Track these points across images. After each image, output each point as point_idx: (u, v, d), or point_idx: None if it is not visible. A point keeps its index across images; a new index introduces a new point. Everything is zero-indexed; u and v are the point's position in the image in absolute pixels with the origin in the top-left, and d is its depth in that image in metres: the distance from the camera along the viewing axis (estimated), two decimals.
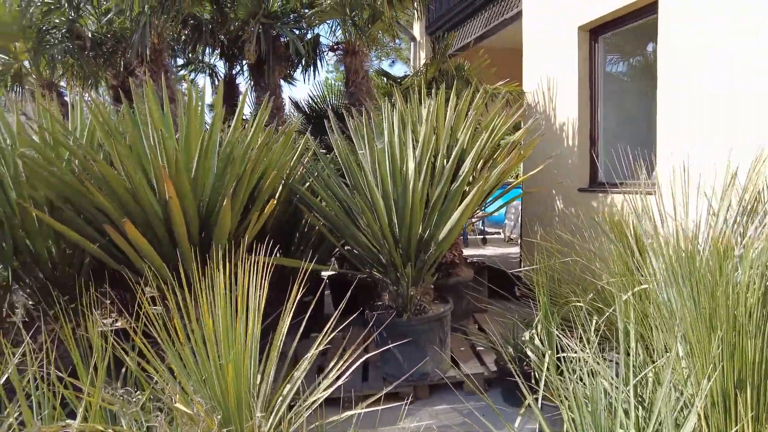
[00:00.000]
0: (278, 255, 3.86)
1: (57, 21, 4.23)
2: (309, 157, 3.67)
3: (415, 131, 3.50)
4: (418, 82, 4.14)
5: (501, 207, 4.19)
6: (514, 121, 4.02)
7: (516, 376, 2.51)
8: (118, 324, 3.38)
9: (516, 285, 4.77)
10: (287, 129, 3.02)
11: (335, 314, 2.21)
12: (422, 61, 7.39)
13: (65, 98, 4.64)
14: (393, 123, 3.05)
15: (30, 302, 3.07)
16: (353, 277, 4.70)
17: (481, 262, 5.07)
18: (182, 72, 5.83)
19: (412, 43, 8.04)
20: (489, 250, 7.05)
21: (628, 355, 1.81)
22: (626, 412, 1.67)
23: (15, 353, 2.10)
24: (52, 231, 2.71)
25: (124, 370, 2.09)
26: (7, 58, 4.37)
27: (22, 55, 4.33)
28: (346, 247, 3.52)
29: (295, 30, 4.72)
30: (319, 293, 4.40)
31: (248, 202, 2.86)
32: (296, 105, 5.99)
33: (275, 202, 2.50)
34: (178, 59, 5.63)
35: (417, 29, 8.16)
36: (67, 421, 1.57)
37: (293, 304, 2.09)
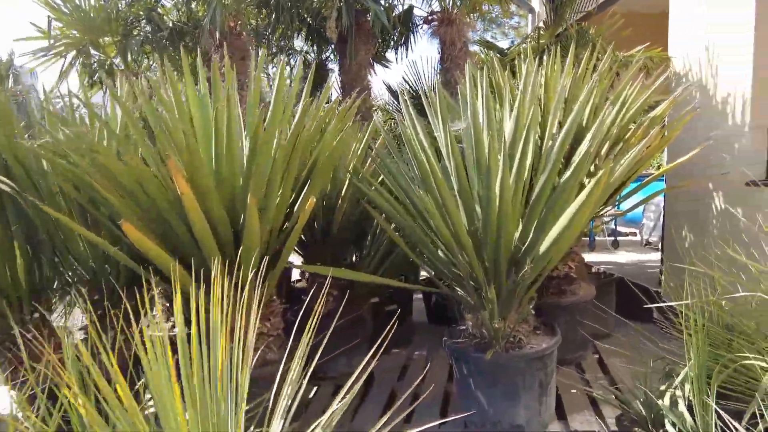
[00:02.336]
0: (347, 261, 3.33)
1: (141, 12, 4.17)
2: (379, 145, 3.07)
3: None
4: (533, 49, 3.31)
5: (639, 204, 3.20)
6: (656, 92, 3.01)
7: None
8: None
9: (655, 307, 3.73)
10: (345, 108, 2.45)
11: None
12: None
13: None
14: (478, 94, 2.32)
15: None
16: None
17: (609, 272, 4.07)
18: (272, 60, 5.56)
19: (530, 15, 7.03)
20: (621, 256, 5.86)
21: None
22: None
23: None
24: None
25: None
26: (99, 54, 4.43)
27: (109, 48, 4.35)
28: (424, 255, 2.87)
29: (380, 1, 4.15)
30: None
31: (295, 201, 2.34)
32: (390, 89, 5.43)
33: (313, 202, 1.93)
34: (271, 48, 5.36)
35: None
36: None
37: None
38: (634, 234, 7.31)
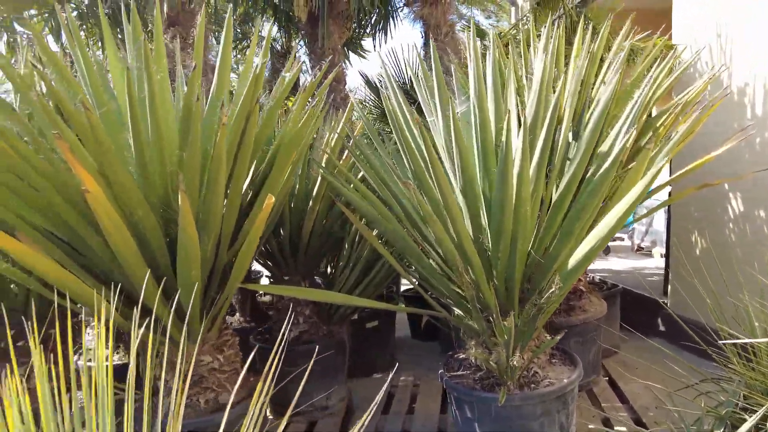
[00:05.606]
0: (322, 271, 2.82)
1: None
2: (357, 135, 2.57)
3: (520, 94, 2.27)
4: (524, 34, 2.89)
5: (655, 210, 2.78)
6: (671, 82, 2.61)
7: None
8: None
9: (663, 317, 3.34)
10: (306, 92, 1.94)
11: None
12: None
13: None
14: (483, 75, 1.85)
15: None
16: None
17: (610, 282, 3.66)
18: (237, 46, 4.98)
19: (512, 9, 6.66)
20: (613, 262, 5.50)
21: None
22: None
23: None
24: None
25: None
26: (24, 30, 3.78)
27: (38, 24, 3.73)
28: (412, 267, 2.39)
29: None
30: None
31: (253, 202, 1.82)
32: (368, 81, 4.93)
33: (272, 201, 1.42)
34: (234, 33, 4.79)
35: None
36: None
37: None
38: (622, 239, 7.00)
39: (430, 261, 2.01)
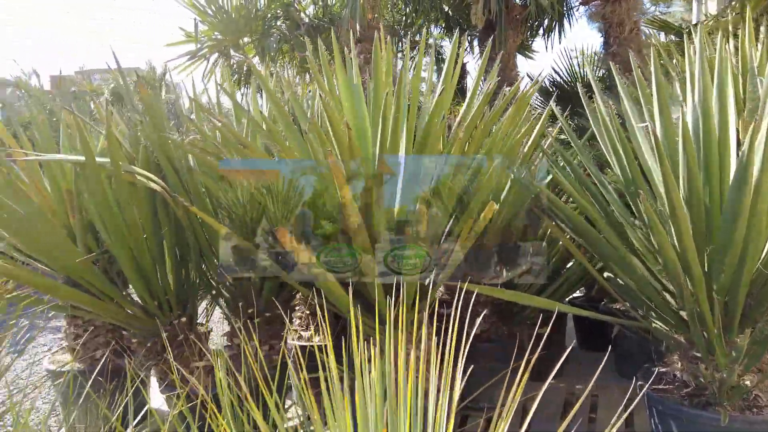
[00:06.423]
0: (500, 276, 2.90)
1: (279, 10, 4.09)
2: (551, 141, 2.59)
3: (737, 94, 2.10)
4: (732, 23, 2.64)
5: None
6: None
7: None
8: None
9: None
10: (519, 99, 2.03)
11: None
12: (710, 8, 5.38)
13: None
14: (702, 73, 1.76)
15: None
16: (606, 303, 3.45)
17: None
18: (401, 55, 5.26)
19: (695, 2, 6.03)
20: None
21: None
22: None
23: None
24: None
25: None
26: (239, 55, 4.45)
27: (249, 50, 4.34)
28: (605, 274, 2.35)
29: None
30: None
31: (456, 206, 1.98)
32: (535, 82, 4.81)
33: (494, 207, 1.54)
34: (401, 44, 5.09)
35: None
36: None
37: None
38: None
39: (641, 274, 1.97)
